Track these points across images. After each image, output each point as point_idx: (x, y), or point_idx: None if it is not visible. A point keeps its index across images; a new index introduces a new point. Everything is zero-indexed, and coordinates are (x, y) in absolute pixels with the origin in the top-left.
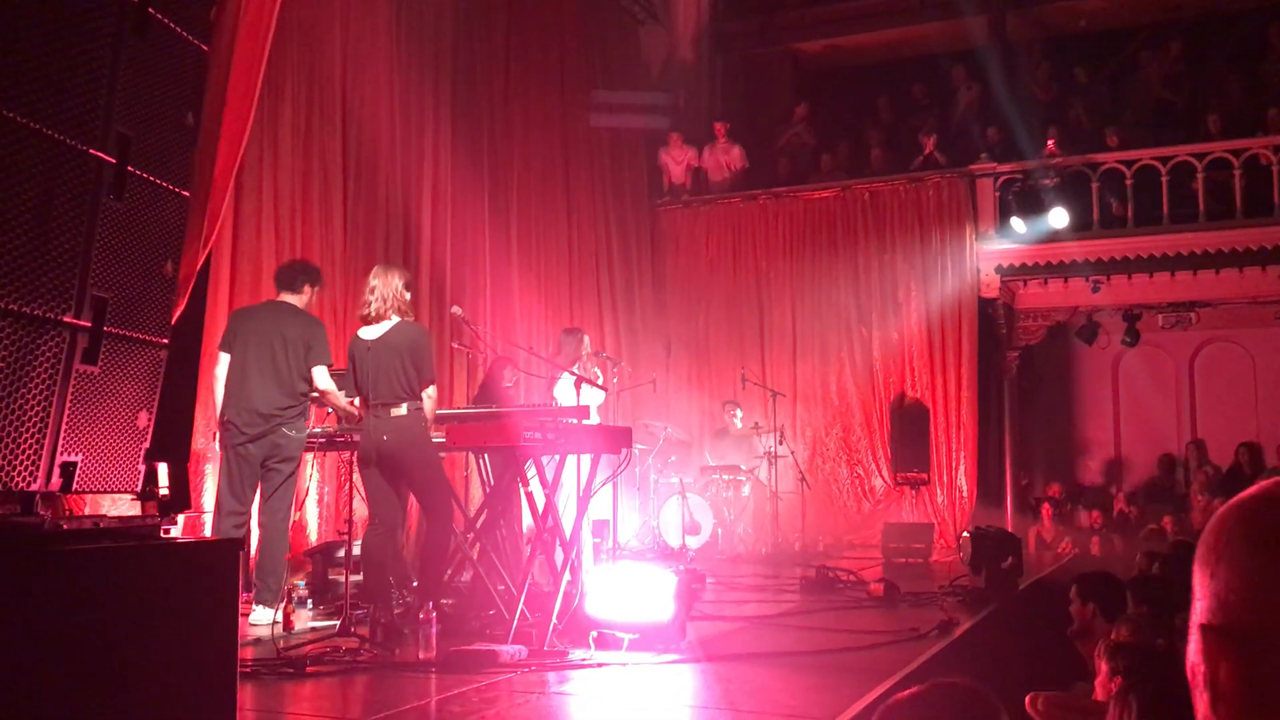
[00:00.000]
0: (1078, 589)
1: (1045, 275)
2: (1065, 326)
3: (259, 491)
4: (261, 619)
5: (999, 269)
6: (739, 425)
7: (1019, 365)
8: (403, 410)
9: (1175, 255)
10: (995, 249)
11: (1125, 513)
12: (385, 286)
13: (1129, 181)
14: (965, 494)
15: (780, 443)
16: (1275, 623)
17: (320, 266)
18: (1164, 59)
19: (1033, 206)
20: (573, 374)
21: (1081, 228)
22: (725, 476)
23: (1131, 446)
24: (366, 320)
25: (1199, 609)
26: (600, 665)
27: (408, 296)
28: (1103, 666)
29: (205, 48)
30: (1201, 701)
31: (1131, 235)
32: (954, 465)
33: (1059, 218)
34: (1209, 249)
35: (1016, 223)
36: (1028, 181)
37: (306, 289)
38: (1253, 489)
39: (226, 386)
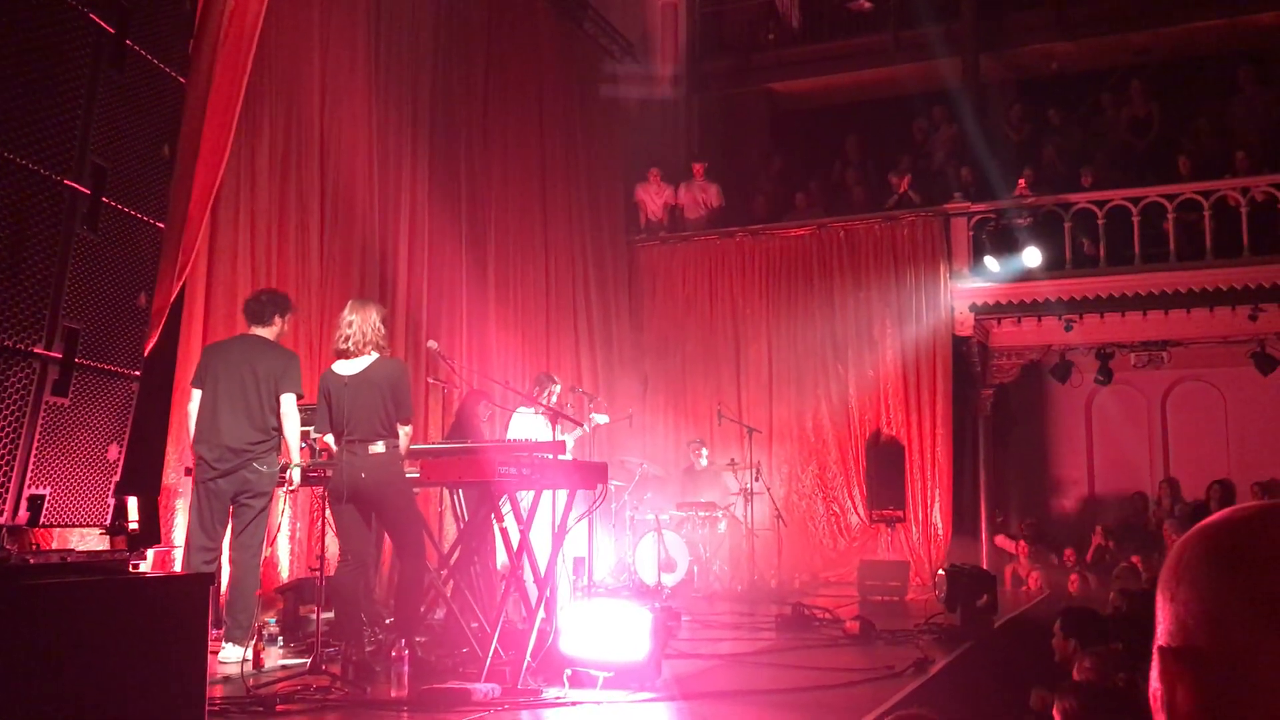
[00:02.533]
0: (1062, 623)
1: (1019, 314)
2: (1039, 365)
3: (230, 527)
4: (231, 656)
5: (973, 307)
6: (704, 463)
7: (993, 403)
8: (380, 448)
9: (1147, 295)
10: (969, 287)
11: (1101, 550)
12: (363, 321)
13: (1101, 221)
14: (940, 531)
15: (756, 479)
16: (1231, 644)
17: (297, 298)
18: (1132, 101)
19: (1006, 246)
20: (543, 407)
21: (1054, 267)
22: (701, 513)
23: (1105, 484)
24: (343, 355)
25: (1160, 632)
26: (574, 704)
27: (384, 331)
28: (1056, 716)
29: (182, 80)
30: None
31: (1104, 275)
32: (929, 502)
33: (1032, 257)
34: (1180, 289)
35: (990, 261)
36: (1001, 221)
37: (277, 320)
38: (1215, 515)
39: (198, 422)
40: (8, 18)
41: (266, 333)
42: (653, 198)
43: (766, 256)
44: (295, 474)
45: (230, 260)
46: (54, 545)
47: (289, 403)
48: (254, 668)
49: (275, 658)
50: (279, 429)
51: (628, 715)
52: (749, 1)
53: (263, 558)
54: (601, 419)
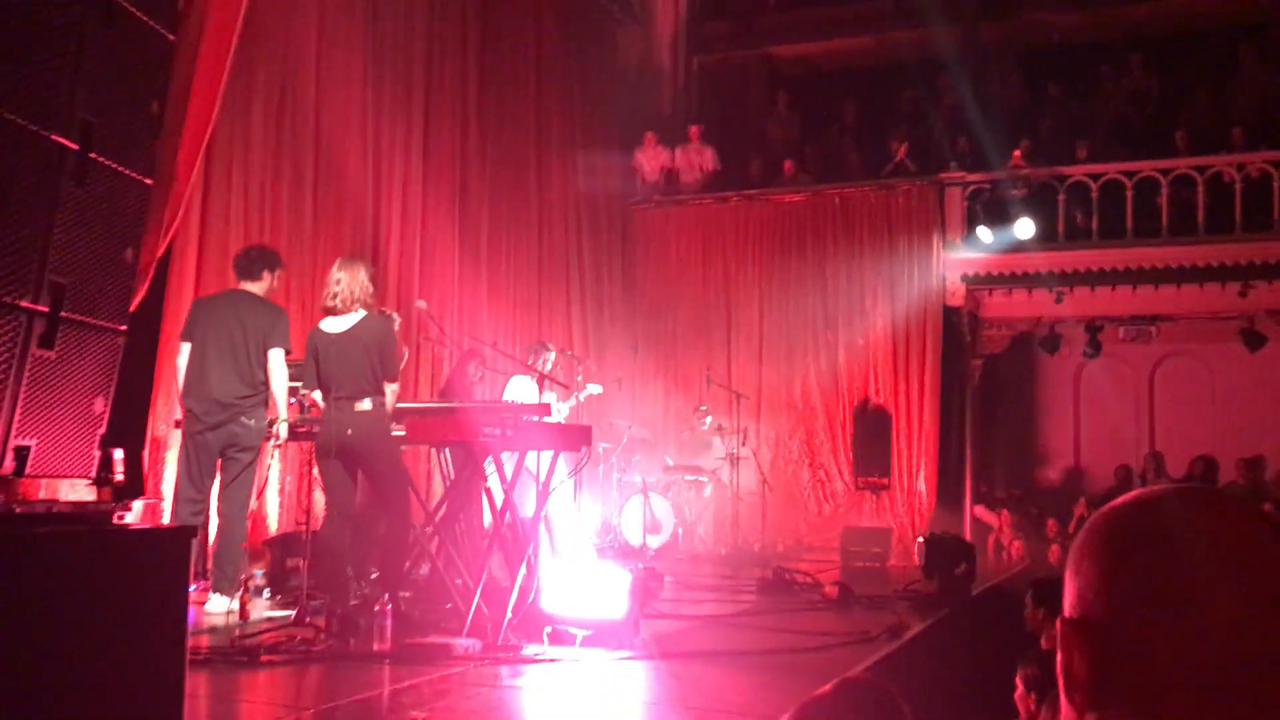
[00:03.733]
0: (1033, 593)
1: (1010, 285)
2: (1028, 336)
3: (218, 480)
4: (217, 607)
5: (965, 277)
6: (705, 427)
7: (982, 373)
8: (367, 404)
9: (1138, 269)
10: (962, 257)
11: (1083, 521)
12: (351, 279)
13: (1095, 195)
14: (925, 499)
15: (743, 444)
16: (1122, 614)
17: (288, 255)
18: (1132, 74)
19: (1000, 216)
20: (537, 374)
21: (1047, 239)
22: (687, 477)
23: (1091, 456)
24: (332, 312)
25: (1064, 605)
26: (552, 660)
27: (371, 289)
28: (1018, 682)
29: (172, 37)
30: (1060, 689)
31: (1095, 247)
32: (914, 470)
33: (1025, 228)
34: (1171, 264)
35: (983, 232)
36: (996, 191)
37: (266, 275)
38: (1121, 497)
39: (187, 376)
40: None
41: (256, 288)
42: (649, 161)
43: (761, 222)
44: (282, 429)
45: (223, 216)
46: (41, 495)
47: (277, 358)
48: (240, 619)
49: (261, 609)
50: (266, 384)
51: (604, 673)
52: None
53: (250, 511)
54: (595, 389)
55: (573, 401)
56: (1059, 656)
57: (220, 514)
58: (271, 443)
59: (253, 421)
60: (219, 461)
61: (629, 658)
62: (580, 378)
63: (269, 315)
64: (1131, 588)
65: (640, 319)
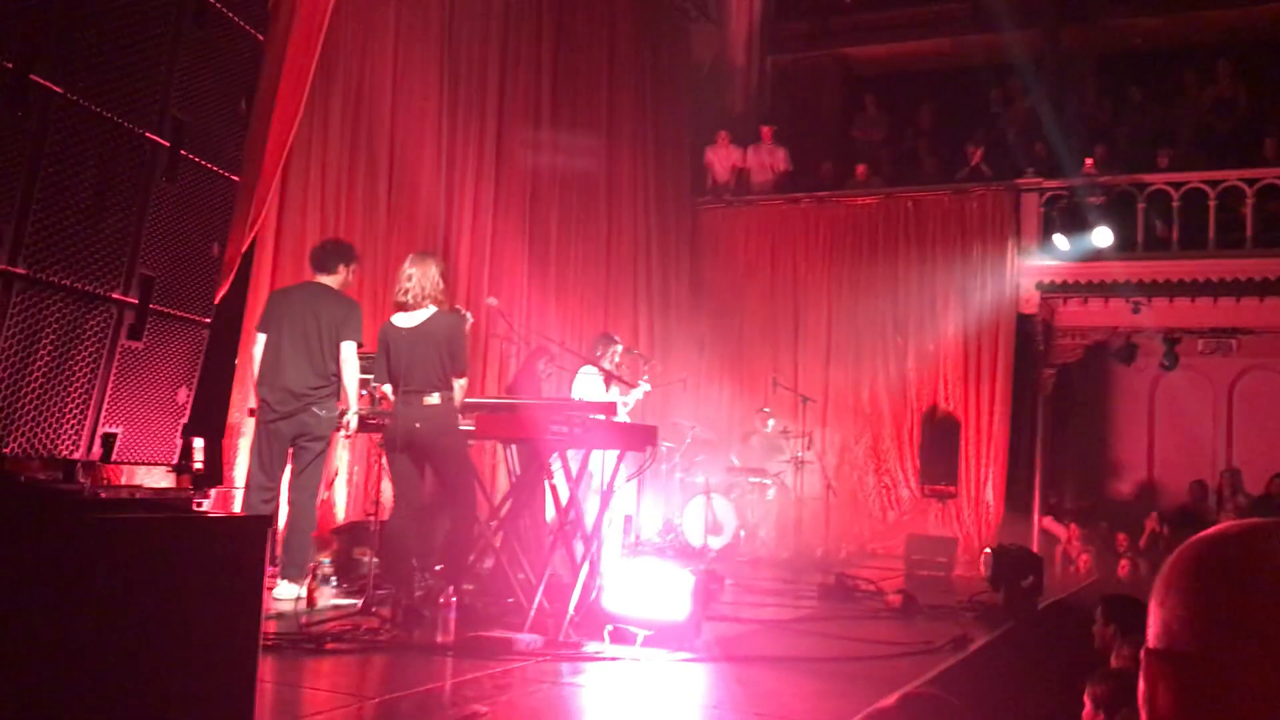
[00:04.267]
0: (1102, 610)
1: (1086, 294)
2: (1103, 346)
3: (289, 469)
4: (286, 594)
5: (1039, 285)
6: (768, 429)
7: (1055, 383)
8: (435, 399)
9: (1219, 281)
10: (1037, 265)
11: (1155, 536)
12: (423, 275)
13: (1176, 204)
14: (992, 509)
15: (808, 448)
16: (1210, 648)
17: (362, 250)
18: (1218, 81)
19: (1077, 224)
20: (603, 370)
21: (1125, 248)
22: (751, 479)
23: (1164, 470)
24: (403, 307)
25: (1149, 635)
26: (613, 659)
27: (442, 285)
28: (1086, 701)
29: (261, 37)
30: None
31: (1175, 258)
32: (982, 480)
33: (1103, 236)
34: (1254, 276)
35: (1060, 239)
36: (1073, 199)
37: (341, 269)
38: (1209, 529)
39: (261, 365)
40: None
41: (331, 281)
42: (720, 160)
43: (831, 224)
44: (353, 420)
45: (300, 211)
46: (123, 481)
47: (349, 350)
48: (307, 606)
49: (328, 597)
50: (339, 375)
51: (664, 673)
52: None
53: (319, 500)
54: (645, 387)
55: (637, 395)
56: (1141, 687)
57: (290, 502)
58: (342, 433)
59: (324, 412)
60: (290, 450)
61: (690, 659)
62: (645, 376)
63: (342, 308)
64: (1220, 620)
65: (706, 319)
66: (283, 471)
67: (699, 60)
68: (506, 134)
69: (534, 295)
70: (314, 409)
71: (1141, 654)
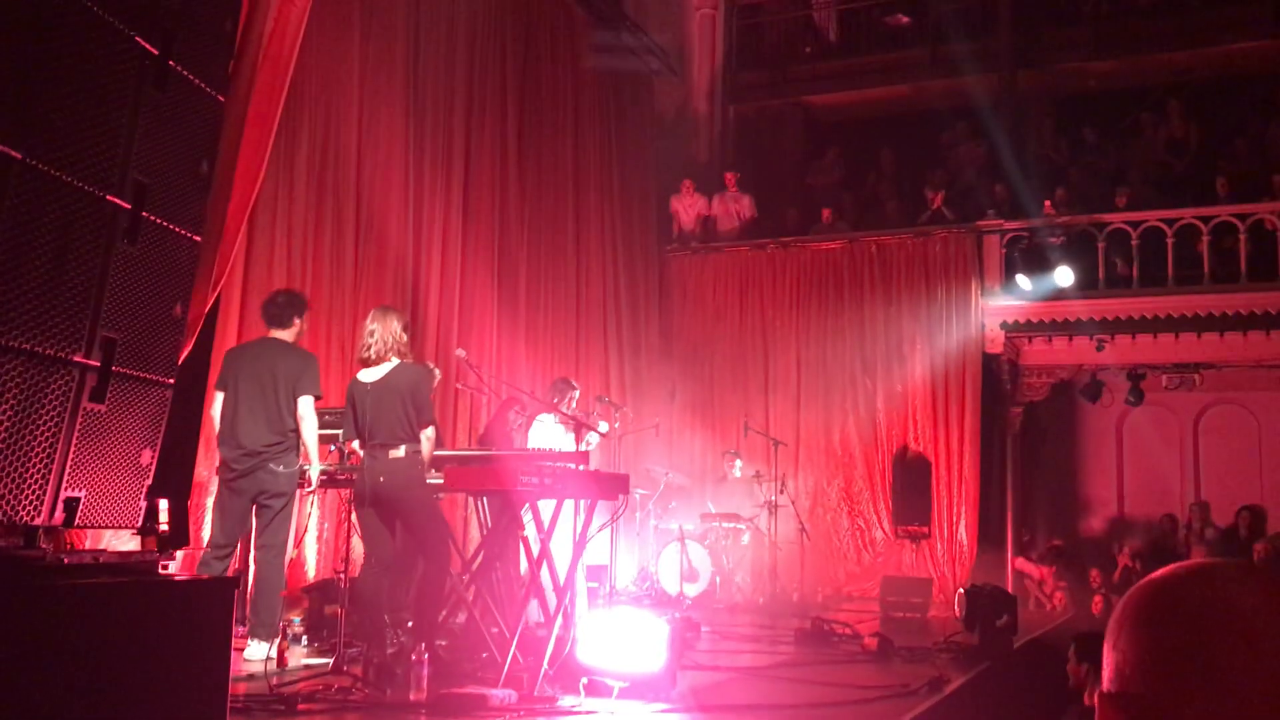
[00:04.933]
0: (1075, 648)
1: (1050, 333)
2: (1070, 384)
3: (254, 528)
4: (256, 654)
5: (1004, 325)
6: (737, 474)
7: (1022, 421)
8: (400, 452)
9: (1179, 317)
10: (1001, 305)
11: (1128, 571)
12: (385, 330)
13: (1135, 242)
14: (966, 548)
15: (781, 492)
16: (1160, 691)
17: (330, 305)
18: (1170, 121)
19: (1039, 264)
20: (561, 415)
21: (1087, 286)
22: (725, 525)
23: (1135, 505)
24: (366, 363)
25: (1103, 678)
26: (589, 713)
27: (405, 339)
28: None
29: (222, 99)
30: None
31: (1136, 295)
32: (955, 519)
33: (1065, 276)
34: (1213, 311)
35: (1022, 279)
36: (1034, 239)
37: (296, 321)
38: (1160, 571)
39: (220, 424)
40: (59, 44)
41: (286, 335)
42: (686, 208)
43: (798, 269)
44: (314, 474)
45: (266, 266)
46: (88, 545)
47: (306, 405)
48: (278, 666)
49: (299, 656)
50: (297, 430)
51: None
52: (786, 15)
53: (288, 558)
54: (603, 427)
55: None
56: None
57: (256, 561)
58: (306, 489)
59: (282, 468)
60: (254, 508)
61: (666, 710)
62: (617, 423)
63: (299, 361)
64: (1170, 662)
65: (677, 365)
66: (243, 530)
67: (662, 111)
68: (473, 187)
69: (504, 345)
70: (271, 465)
71: (1096, 697)
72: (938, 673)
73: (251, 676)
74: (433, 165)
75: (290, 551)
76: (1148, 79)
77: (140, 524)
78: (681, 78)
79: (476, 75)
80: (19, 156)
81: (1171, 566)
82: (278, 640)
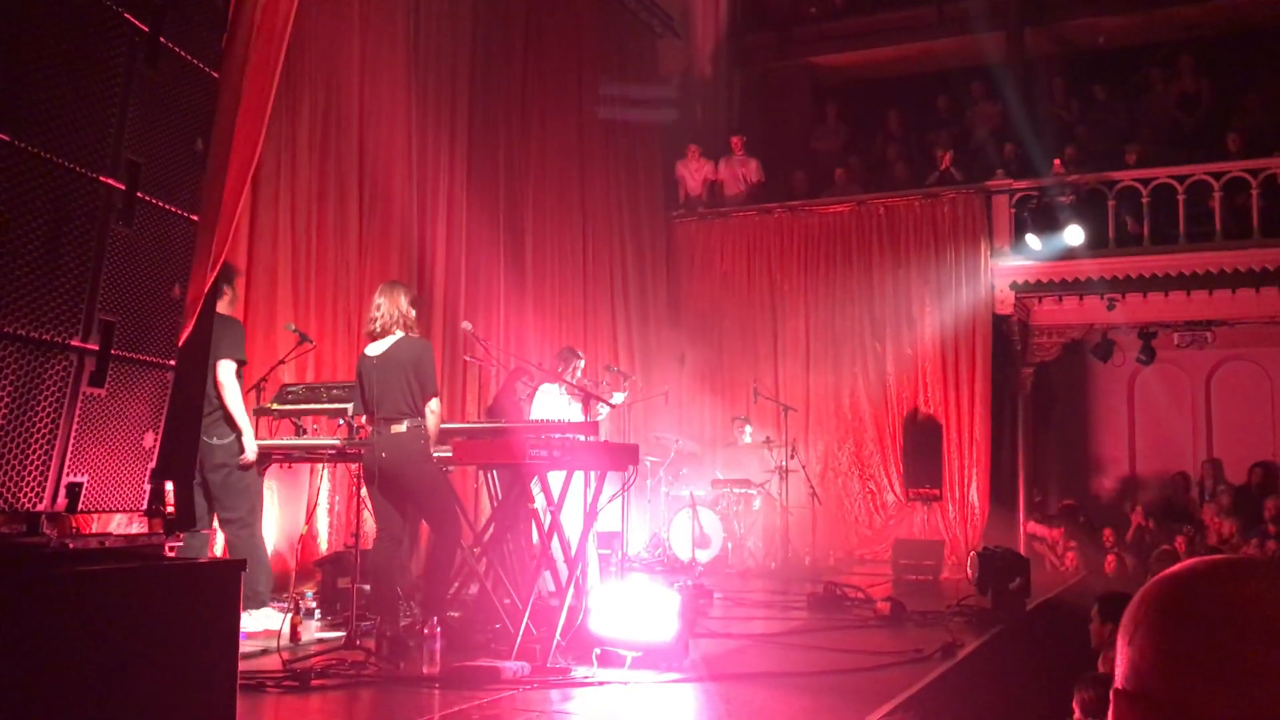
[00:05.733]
0: (1099, 609)
1: (1060, 292)
2: (1080, 344)
3: (207, 506)
4: (247, 625)
5: (1014, 285)
6: (747, 440)
7: (1033, 382)
8: (403, 427)
9: (1191, 274)
10: (1010, 265)
11: (1140, 530)
12: (390, 304)
13: (1145, 200)
14: (977, 510)
15: (792, 457)
16: (1179, 690)
17: (335, 278)
18: (1181, 77)
19: (1048, 223)
20: (567, 385)
21: (1097, 245)
22: (736, 490)
23: (1146, 464)
24: (372, 337)
25: (1117, 674)
26: (602, 684)
27: (413, 313)
28: (1075, 707)
29: (215, 75)
30: None
31: (1147, 254)
32: (966, 481)
33: (1075, 235)
34: (1225, 268)
35: (1032, 239)
36: (1044, 198)
37: (226, 290)
38: (1176, 566)
39: None
40: (47, 22)
41: (221, 307)
42: (692, 174)
43: (806, 233)
44: (249, 443)
45: (270, 241)
46: (94, 529)
47: (225, 370)
48: (291, 640)
49: (312, 630)
50: (221, 400)
51: (653, 696)
52: None
53: (258, 527)
54: (619, 398)
55: (605, 410)
56: None
57: (225, 537)
58: (240, 460)
59: (213, 439)
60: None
61: (678, 679)
62: (626, 391)
63: (220, 328)
64: (1188, 662)
65: (685, 332)
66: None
67: (667, 75)
68: (478, 155)
69: (511, 316)
70: (202, 438)
71: (1111, 694)
72: (951, 637)
73: (265, 651)
74: (436, 137)
75: (300, 526)
76: (1158, 34)
77: (145, 507)
78: (686, 41)
79: (479, 43)
80: (7, 139)
81: (1190, 561)
82: (290, 614)
